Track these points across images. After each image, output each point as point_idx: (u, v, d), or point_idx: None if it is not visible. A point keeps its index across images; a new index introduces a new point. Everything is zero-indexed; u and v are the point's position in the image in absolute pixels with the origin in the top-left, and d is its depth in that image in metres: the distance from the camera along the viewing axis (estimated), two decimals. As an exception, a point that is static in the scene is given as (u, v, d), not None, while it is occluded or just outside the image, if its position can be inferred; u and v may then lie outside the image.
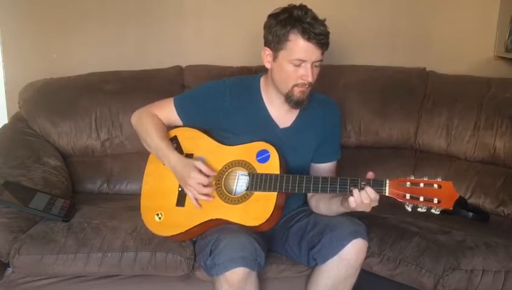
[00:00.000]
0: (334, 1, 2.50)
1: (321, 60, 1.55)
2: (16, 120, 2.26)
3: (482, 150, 2.23)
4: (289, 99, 1.60)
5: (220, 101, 1.68)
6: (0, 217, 1.71)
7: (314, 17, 1.51)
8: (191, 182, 1.57)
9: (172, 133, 1.76)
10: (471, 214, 2.06)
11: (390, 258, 1.74)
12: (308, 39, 1.49)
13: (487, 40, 2.59)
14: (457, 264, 1.65)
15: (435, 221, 1.90)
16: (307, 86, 1.57)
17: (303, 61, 1.52)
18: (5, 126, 2.27)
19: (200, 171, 1.57)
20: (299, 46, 1.51)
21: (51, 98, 2.23)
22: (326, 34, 1.51)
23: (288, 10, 1.53)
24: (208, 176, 1.58)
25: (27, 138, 2.15)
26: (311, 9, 1.54)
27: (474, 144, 2.24)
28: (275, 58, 1.57)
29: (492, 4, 2.56)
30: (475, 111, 2.24)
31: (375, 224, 1.81)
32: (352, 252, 1.51)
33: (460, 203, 2.11)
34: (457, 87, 2.33)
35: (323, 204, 1.65)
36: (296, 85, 1.57)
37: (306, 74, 1.54)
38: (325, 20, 1.53)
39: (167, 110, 1.74)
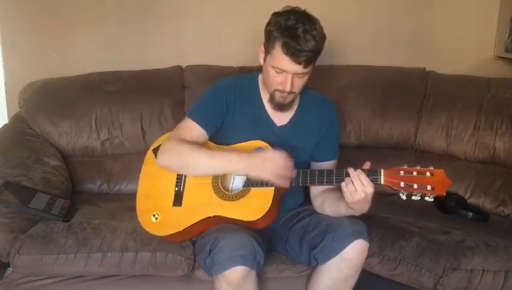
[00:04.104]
0: (335, 1, 2.50)
1: (305, 73, 1.55)
2: (16, 120, 2.26)
3: (482, 150, 2.23)
4: (271, 101, 1.65)
5: (226, 95, 1.69)
6: (0, 217, 1.71)
7: (305, 30, 1.48)
8: (274, 168, 1.51)
9: (163, 139, 1.73)
10: (471, 214, 2.06)
11: (390, 258, 1.74)
12: (286, 53, 1.50)
13: (487, 40, 2.59)
14: (457, 264, 1.65)
15: (434, 221, 1.91)
16: (287, 93, 1.59)
17: (284, 70, 1.54)
18: (5, 126, 2.27)
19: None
20: (279, 58, 1.52)
21: (51, 98, 2.23)
22: (311, 51, 1.49)
23: (285, 15, 1.53)
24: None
25: (27, 138, 2.15)
26: (308, 18, 1.51)
27: (474, 144, 2.24)
28: (265, 58, 1.61)
29: (492, 4, 2.56)
30: (475, 111, 2.24)
31: (375, 224, 1.81)
32: (354, 253, 1.51)
33: (460, 202, 2.12)
34: (457, 87, 2.33)
35: (328, 205, 1.64)
36: (277, 90, 1.60)
37: (285, 83, 1.56)
38: (316, 29, 1.50)
39: (189, 131, 1.66)
